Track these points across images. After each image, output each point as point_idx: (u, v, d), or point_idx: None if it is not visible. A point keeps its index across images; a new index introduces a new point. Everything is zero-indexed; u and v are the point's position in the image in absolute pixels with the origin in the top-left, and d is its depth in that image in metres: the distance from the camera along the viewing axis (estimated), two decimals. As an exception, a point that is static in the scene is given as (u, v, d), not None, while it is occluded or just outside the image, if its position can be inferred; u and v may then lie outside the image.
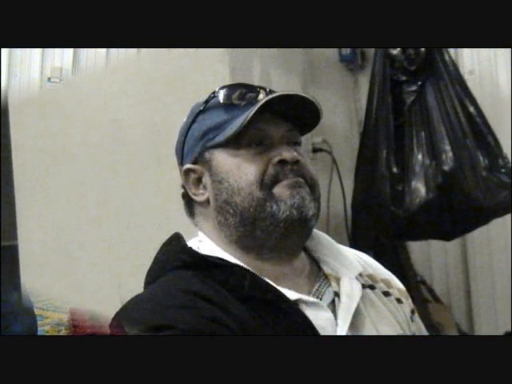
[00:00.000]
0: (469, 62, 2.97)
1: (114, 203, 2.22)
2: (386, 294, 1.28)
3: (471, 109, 2.56)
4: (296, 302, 1.15)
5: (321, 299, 1.20)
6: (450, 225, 2.53)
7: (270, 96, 1.19)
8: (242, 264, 1.17)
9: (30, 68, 2.33)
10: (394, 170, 2.55)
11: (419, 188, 2.51)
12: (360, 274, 1.26)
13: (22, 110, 2.34)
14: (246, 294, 1.13)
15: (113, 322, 1.15)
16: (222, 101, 1.22)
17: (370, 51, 2.88)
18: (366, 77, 2.84)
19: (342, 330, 1.16)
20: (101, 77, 2.25)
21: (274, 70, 2.50)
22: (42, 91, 2.32)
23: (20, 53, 2.33)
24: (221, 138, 1.21)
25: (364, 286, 1.25)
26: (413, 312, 1.32)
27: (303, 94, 1.20)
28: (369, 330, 1.19)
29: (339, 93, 3.06)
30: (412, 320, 1.31)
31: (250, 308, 1.11)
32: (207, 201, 1.23)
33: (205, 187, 1.23)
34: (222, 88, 1.23)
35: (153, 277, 1.20)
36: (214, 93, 1.25)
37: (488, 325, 2.95)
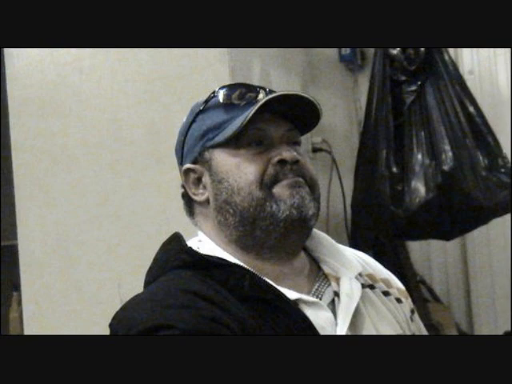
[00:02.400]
0: (468, 62, 2.97)
1: (114, 203, 2.22)
2: (386, 293, 1.28)
3: (471, 109, 2.56)
4: (296, 302, 1.16)
5: (320, 299, 1.20)
6: (449, 224, 2.53)
7: (270, 96, 1.19)
8: (241, 264, 1.18)
9: (30, 68, 2.33)
10: (394, 169, 2.55)
11: (419, 188, 2.51)
12: (360, 274, 1.26)
13: (21, 110, 2.34)
14: (245, 293, 1.13)
15: (113, 321, 1.15)
16: (221, 100, 1.22)
17: (370, 51, 2.88)
18: (366, 77, 2.84)
19: (342, 329, 1.16)
20: (101, 77, 2.25)
21: (273, 70, 2.50)
22: (42, 91, 2.32)
23: (20, 52, 2.33)
24: (220, 137, 1.21)
25: (364, 286, 1.25)
26: (412, 312, 1.33)
27: (303, 94, 1.20)
28: (368, 329, 1.20)
29: (339, 93, 3.06)
30: (412, 320, 1.31)
31: (249, 308, 1.11)
32: (207, 200, 1.23)
33: (205, 187, 1.23)
34: (221, 88, 1.24)
35: (153, 276, 1.20)
36: (213, 93, 1.25)
37: (488, 324, 2.95)
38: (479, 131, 2.56)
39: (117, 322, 1.14)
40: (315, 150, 2.81)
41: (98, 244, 2.24)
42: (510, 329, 2.77)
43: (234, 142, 1.20)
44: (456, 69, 2.63)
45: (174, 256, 1.19)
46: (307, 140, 2.73)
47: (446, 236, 2.67)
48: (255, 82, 2.22)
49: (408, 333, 1.27)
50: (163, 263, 1.20)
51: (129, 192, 2.21)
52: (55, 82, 2.30)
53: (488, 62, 2.96)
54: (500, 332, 2.85)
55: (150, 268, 1.23)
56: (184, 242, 1.21)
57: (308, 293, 1.20)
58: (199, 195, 1.24)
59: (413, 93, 2.59)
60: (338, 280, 1.23)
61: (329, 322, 1.16)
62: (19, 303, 2.68)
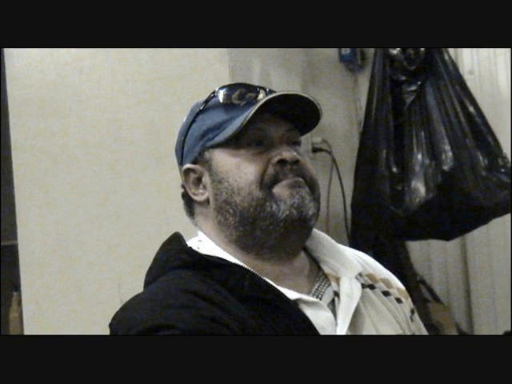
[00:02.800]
0: (468, 62, 2.97)
1: (114, 203, 2.22)
2: (386, 293, 1.28)
3: (471, 109, 2.56)
4: (296, 302, 1.16)
5: (320, 299, 1.20)
6: (449, 224, 2.53)
7: (270, 96, 1.19)
8: (241, 264, 1.18)
9: (30, 68, 2.33)
10: (394, 169, 2.55)
11: (419, 188, 2.51)
12: (360, 274, 1.26)
13: (21, 110, 2.34)
14: (245, 293, 1.13)
15: (113, 321, 1.15)
16: (221, 100, 1.22)
17: (370, 51, 2.88)
18: (366, 77, 2.84)
19: (342, 329, 1.16)
20: (101, 77, 2.25)
21: (273, 70, 2.50)
22: (42, 91, 2.31)
23: (20, 52, 2.33)
24: (220, 137, 1.21)
25: (364, 286, 1.25)
26: (412, 312, 1.32)
27: (303, 94, 1.20)
28: (368, 329, 1.20)
29: (339, 93, 3.06)
30: (412, 320, 1.31)
31: (249, 308, 1.11)
32: (207, 201, 1.23)
33: (205, 187, 1.23)
34: (221, 88, 1.24)
35: (153, 276, 1.20)
36: (213, 93, 1.25)
37: (488, 324, 2.95)
38: (479, 131, 2.55)
39: (117, 322, 1.14)
40: (315, 150, 2.81)
41: (98, 244, 2.24)
42: (509, 329, 2.77)
43: (233, 142, 1.20)
44: (456, 69, 2.63)
45: (174, 256, 1.19)
46: (307, 140, 2.73)
47: (446, 236, 2.67)
48: (255, 82, 2.22)
49: (408, 333, 1.27)
50: (163, 263, 1.20)
51: (129, 192, 2.21)
52: (55, 82, 2.30)
53: (488, 62, 2.96)
54: (500, 332, 2.85)
55: (150, 268, 1.23)
56: (184, 242, 1.21)
57: (308, 293, 1.20)
58: (199, 195, 1.24)
59: (413, 93, 2.59)
60: (337, 280, 1.23)
61: (329, 321, 1.16)
62: (19, 303, 2.68)
